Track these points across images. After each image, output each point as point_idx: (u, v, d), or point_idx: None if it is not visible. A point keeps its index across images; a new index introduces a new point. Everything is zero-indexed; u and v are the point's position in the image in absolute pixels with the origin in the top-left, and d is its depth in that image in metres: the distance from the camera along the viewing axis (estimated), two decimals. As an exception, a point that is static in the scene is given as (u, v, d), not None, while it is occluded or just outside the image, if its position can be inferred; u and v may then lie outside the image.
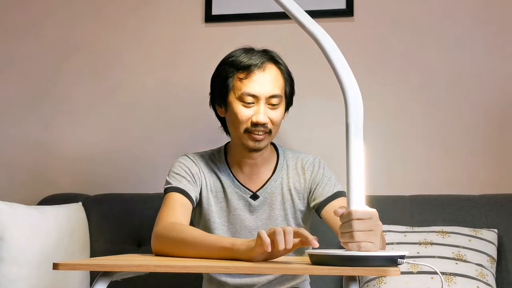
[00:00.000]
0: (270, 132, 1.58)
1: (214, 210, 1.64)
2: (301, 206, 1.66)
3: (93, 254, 2.09)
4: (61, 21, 2.50)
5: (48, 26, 2.50)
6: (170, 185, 1.60)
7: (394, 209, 1.99)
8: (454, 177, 2.16)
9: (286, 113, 1.66)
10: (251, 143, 1.58)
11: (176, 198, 1.57)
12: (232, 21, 2.35)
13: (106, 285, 1.15)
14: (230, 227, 1.63)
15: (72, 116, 2.44)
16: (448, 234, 1.85)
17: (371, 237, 1.11)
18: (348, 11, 2.26)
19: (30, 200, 2.28)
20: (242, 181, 1.65)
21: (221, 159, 1.69)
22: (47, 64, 2.49)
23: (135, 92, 2.41)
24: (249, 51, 1.61)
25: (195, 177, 1.63)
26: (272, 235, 1.19)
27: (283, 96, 1.60)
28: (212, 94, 1.67)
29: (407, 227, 1.93)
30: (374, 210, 1.15)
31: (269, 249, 1.18)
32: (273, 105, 1.57)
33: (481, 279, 1.72)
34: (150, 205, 2.13)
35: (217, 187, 1.65)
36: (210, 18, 2.36)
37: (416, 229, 1.91)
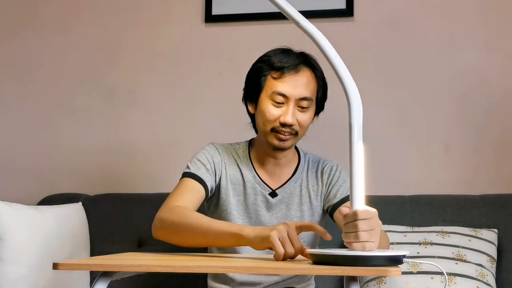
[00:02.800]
0: (296, 133, 1.60)
1: (232, 201, 1.64)
2: (319, 208, 1.68)
3: (93, 254, 2.09)
4: (61, 21, 2.50)
5: (48, 26, 2.50)
6: (188, 170, 1.61)
7: (394, 209, 2.00)
8: (454, 177, 2.16)
9: (316, 117, 1.67)
10: (276, 142, 1.59)
11: (188, 184, 1.57)
12: (232, 21, 2.35)
13: (106, 285, 1.15)
14: (246, 220, 1.64)
15: (71, 116, 2.44)
16: (448, 234, 1.85)
17: (373, 236, 1.12)
18: (348, 11, 2.26)
19: (30, 200, 2.28)
20: (262, 178, 1.66)
21: (244, 153, 1.70)
22: (47, 64, 2.49)
23: (135, 92, 2.41)
24: (286, 51, 1.62)
25: (215, 166, 1.64)
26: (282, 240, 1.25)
27: (314, 100, 1.61)
28: (245, 90, 1.68)
29: (407, 227, 1.93)
30: (374, 209, 1.16)
31: (281, 259, 1.24)
32: (303, 107, 1.58)
33: (481, 279, 1.72)
34: (150, 205, 2.12)
35: (237, 179, 1.66)
36: (210, 18, 2.36)
37: (416, 229, 1.91)
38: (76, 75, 2.46)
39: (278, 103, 1.57)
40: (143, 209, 2.13)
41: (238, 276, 1.64)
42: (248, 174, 1.66)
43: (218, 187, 1.65)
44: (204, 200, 1.61)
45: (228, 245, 1.33)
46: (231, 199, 1.64)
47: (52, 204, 2.12)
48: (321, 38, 1.17)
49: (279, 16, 2.26)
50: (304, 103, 1.58)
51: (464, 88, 2.19)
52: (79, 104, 2.44)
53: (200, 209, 1.57)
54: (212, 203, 1.68)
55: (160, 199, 2.13)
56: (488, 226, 1.92)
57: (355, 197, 1.14)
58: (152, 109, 2.39)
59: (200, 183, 1.58)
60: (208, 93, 2.35)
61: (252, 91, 1.63)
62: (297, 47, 2.26)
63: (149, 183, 2.31)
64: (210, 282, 1.72)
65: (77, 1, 2.49)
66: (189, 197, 1.54)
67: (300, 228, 1.31)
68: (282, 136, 1.58)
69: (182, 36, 2.40)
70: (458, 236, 1.84)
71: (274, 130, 1.58)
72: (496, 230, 1.89)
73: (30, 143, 2.46)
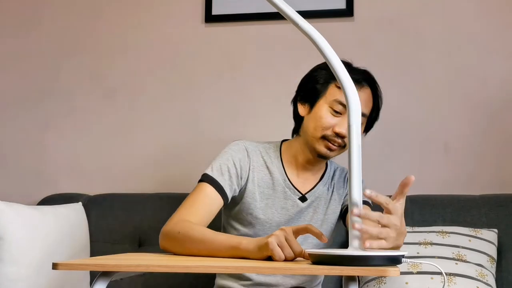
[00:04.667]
0: (344, 146, 1.59)
1: (258, 206, 1.62)
2: (338, 212, 1.70)
3: (93, 254, 2.08)
4: (62, 21, 2.50)
5: (49, 26, 2.50)
6: (210, 174, 1.57)
7: (394, 209, 1.99)
8: (454, 177, 2.16)
9: (364, 134, 1.68)
10: (323, 150, 1.58)
11: (205, 192, 1.54)
12: (232, 21, 2.35)
13: (106, 285, 1.15)
14: (273, 224, 1.62)
15: (72, 116, 2.45)
16: (448, 234, 1.85)
17: (400, 239, 1.21)
18: (348, 11, 2.26)
19: (30, 200, 2.28)
20: (293, 182, 1.65)
21: (276, 155, 1.67)
22: (47, 64, 2.49)
23: (135, 92, 2.42)
24: (349, 65, 1.62)
25: (242, 170, 1.60)
26: (280, 246, 1.25)
27: (367, 118, 1.63)
28: (300, 91, 1.66)
29: (407, 227, 1.92)
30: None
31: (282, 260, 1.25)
32: None
33: (481, 279, 1.71)
34: (150, 205, 2.13)
35: (266, 182, 1.63)
36: (210, 18, 2.36)
37: (416, 229, 1.91)
38: (76, 75, 2.46)
39: (336, 112, 1.56)
40: (143, 209, 2.13)
41: (255, 276, 1.63)
42: (279, 177, 1.64)
43: (243, 190, 1.61)
44: (222, 207, 1.58)
45: (229, 257, 1.34)
46: (258, 204, 1.62)
47: (52, 204, 2.12)
48: (319, 39, 1.17)
49: (279, 16, 2.26)
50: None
51: (464, 88, 2.19)
52: (79, 104, 2.45)
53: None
54: (233, 204, 1.63)
55: (160, 199, 2.13)
56: (488, 226, 1.92)
57: (354, 197, 1.14)
58: (152, 109, 2.39)
59: (219, 192, 1.55)
60: (208, 93, 2.35)
61: (311, 94, 1.61)
62: (297, 47, 2.27)
63: (149, 183, 2.31)
64: (221, 280, 1.68)
65: (76, 1, 2.50)
66: (203, 210, 1.52)
67: (297, 232, 1.30)
68: (331, 146, 1.57)
69: (182, 36, 2.40)
70: (458, 236, 1.84)
71: (324, 138, 1.57)
72: (496, 230, 1.89)
73: (30, 143, 2.46)
